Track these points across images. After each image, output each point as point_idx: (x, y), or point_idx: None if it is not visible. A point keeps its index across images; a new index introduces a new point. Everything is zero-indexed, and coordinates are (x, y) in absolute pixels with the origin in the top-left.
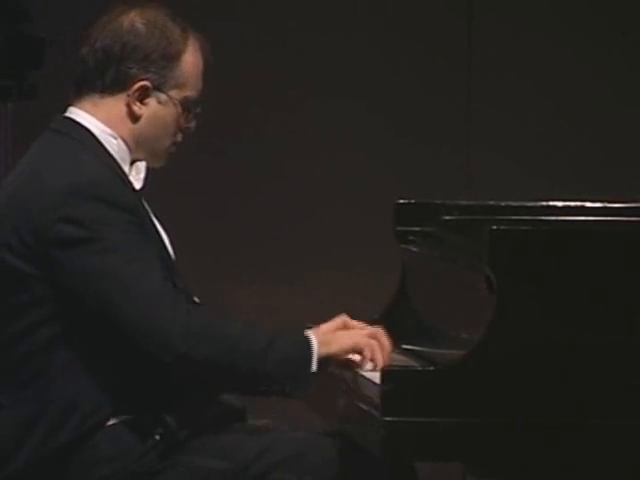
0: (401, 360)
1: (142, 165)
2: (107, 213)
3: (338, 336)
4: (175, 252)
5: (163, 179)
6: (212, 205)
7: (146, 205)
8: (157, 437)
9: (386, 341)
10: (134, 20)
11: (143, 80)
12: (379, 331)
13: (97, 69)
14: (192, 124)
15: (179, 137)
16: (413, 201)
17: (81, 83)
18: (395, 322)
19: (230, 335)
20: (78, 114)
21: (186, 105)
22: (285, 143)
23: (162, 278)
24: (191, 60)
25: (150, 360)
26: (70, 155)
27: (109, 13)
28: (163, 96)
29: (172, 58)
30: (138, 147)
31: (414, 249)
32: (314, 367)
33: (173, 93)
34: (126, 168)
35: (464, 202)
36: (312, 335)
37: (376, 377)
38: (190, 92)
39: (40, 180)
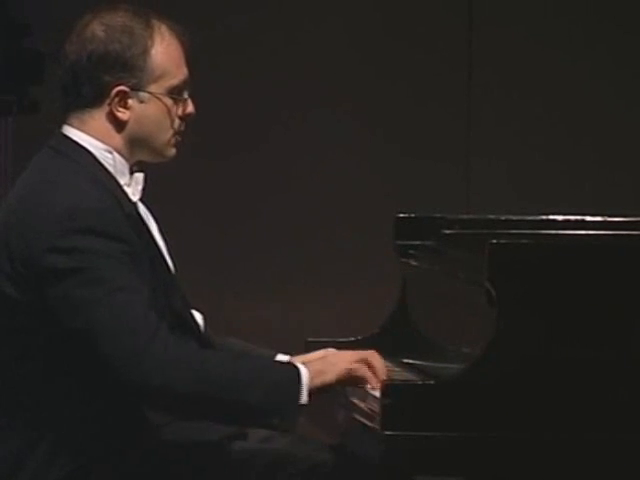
0: (401, 374)
1: (140, 176)
2: (97, 243)
3: (331, 363)
4: (175, 265)
5: (163, 192)
6: (212, 220)
7: (149, 215)
8: (153, 469)
9: (378, 362)
10: (94, 29)
11: (119, 85)
12: (370, 353)
13: (73, 87)
14: (190, 109)
15: (181, 126)
16: (413, 215)
17: (65, 104)
18: (395, 336)
19: (209, 368)
20: (73, 132)
21: (174, 94)
22: (284, 158)
23: (146, 309)
24: (162, 50)
25: (129, 392)
26: (68, 181)
27: (75, 26)
28: (143, 95)
29: (140, 56)
30: (136, 150)
31: (414, 263)
32: (304, 399)
33: (153, 88)
34: (125, 180)
35: (464, 216)
36: (302, 366)
37: (376, 391)
38: (173, 80)
39: (35, 208)
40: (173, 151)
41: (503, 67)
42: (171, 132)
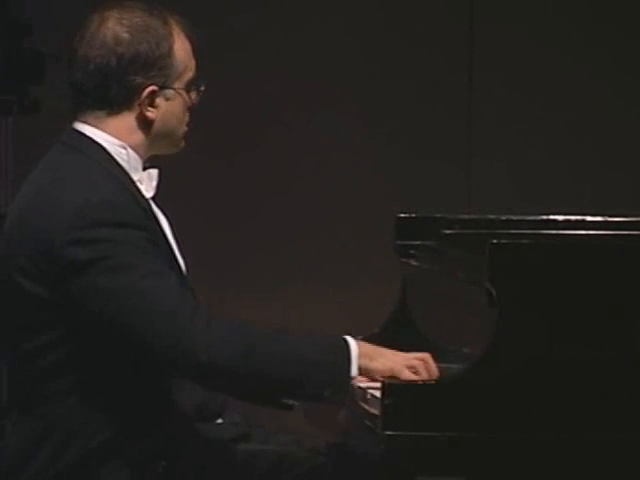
0: None
1: (154, 172)
2: (118, 233)
3: (382, 355)
4: (187, 265)
5: (166, 191)
6: (213, 219)
7: (161, 214)
8: (160, 469)
9: (424, 371)
10: (116, 30)
11: (149, 85)
12: (420, 360)
13: (99, 90)
14: (196, 100)
15: (189, 117)
16: (414, 215)
17: (83, 106)
18: (395, 336)
19: (251, 342)
20: (87, 129)
21: (190, 87)
22: (286, 158)
23: (180, 290)
24: (181, 47)
25: (172, 374)
26: (81, 176)
27: (86, 26)
28: (170, 92)
29: (166, 54)
30: (155, 146)
31: (414, 263)
32: (353, 371)
33: (177, 84)
34: (138, 176)
35: (465, 216)
36: (351, 340)
37: (377, 391)
38: (190, 74)
39: (51, 203)
40: (184, 142)
41: (504, 68)
42: (185, 124)
